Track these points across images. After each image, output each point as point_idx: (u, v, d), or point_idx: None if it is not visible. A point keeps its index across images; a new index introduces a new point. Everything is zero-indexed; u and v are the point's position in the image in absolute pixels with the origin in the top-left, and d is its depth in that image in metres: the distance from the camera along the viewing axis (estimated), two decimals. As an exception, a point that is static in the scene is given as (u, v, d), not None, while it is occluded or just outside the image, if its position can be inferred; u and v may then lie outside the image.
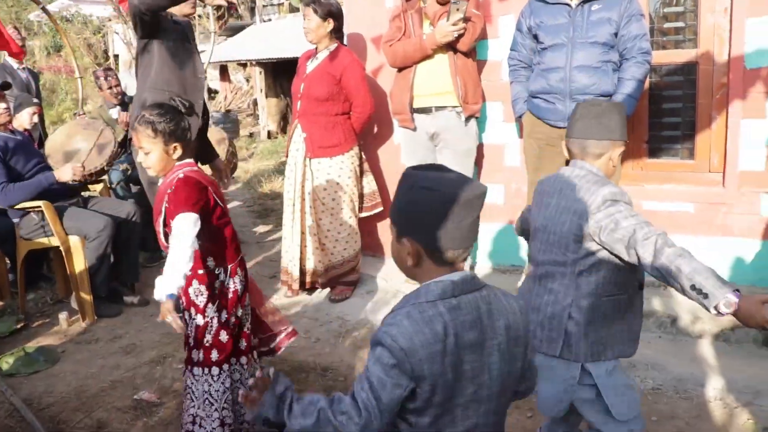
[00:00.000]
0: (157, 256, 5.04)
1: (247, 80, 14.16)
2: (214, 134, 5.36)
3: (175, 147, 2.35)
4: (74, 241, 3.99)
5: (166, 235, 2.38)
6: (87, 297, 4.01)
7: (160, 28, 3.64)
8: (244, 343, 2.54)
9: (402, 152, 4.25)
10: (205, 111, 4.10)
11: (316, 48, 4.11)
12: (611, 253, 1.97)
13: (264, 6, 13.58)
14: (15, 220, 4.05)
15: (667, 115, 3.92)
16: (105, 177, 5.03)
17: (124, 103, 5.65)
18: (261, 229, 6.16)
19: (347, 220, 4.12)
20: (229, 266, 2.47)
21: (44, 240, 4.03)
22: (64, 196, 4.16)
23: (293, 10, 12.80)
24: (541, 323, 2.10)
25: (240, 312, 2.52)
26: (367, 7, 4.54)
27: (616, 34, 3.37)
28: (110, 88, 5.61)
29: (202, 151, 4.08)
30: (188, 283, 2.38)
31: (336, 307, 4.10)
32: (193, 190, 2.31)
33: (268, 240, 5.74)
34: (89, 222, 4.04)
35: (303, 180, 4.07)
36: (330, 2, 4.00)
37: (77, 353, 3.65)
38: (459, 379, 1.37)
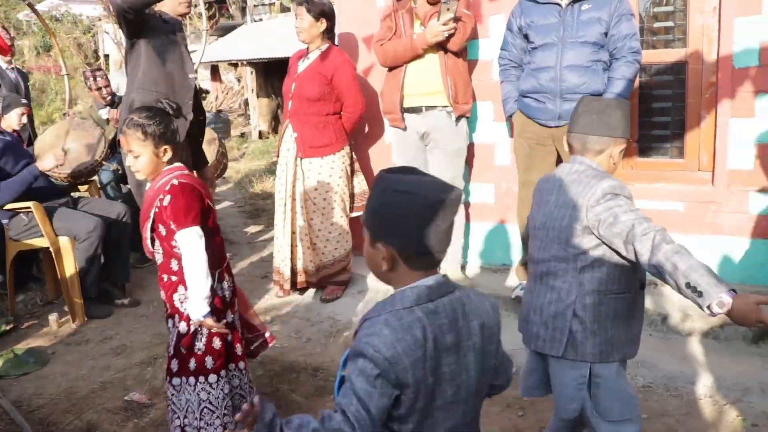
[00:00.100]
0: (147, 257, 5.00)
1: (238, 80, 14.12)
2: (205, 134, 5.33)
3: (165, 149, 2.33)
4: (64, 241, 3.98)
5: (153, 241, 2.36)
6: (77, 298, 3.99)
7: (146, 26, 3.59)
8: (240, 349, 2.51)
9: (393, 152, 4.25)
10: (202, 112, 4.07)
11: (308, 48, 4.11)
12: (612, 249, 1.95)
13: (255, 6, 13.52)
14: (4, 221, 4.02)
15: (656, 114, 3.94)
16: (95, 177, 5.01)
17: (115, 103, 5.61)
18: (252, 229, 6.15)
19: (338, 220, 4.12)
20: (217, 271, 2.43)
21: (34, 241, 4.01)
22: (53, 196, 4.14)
23: (284, 9, 12.75)
24: (544, 323, 2.07)
25: (231, 317, 2.51)
26: (358, 6, 4.54)
27: (606, 34, 3.38)
28: (99, 89, 5.58)
29: (196, 154, 4.07)
30: (174, 289, 2.35)
31: (327, 307, 4.10)
32: (191, 199, 2.28)
33: (259, 240, 5.73)
34: (79, 222, 4.02)
35: (294, 180, 4.07)
36: (323, 2, 4.00)
37: (67, 354, 3.63)
38: (439, 382, 1.36)
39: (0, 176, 3.93)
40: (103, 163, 4.80)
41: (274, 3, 13.32)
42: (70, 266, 3.97)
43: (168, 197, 2.27)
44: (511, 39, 3.69)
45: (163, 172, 2.35)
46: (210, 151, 5.02)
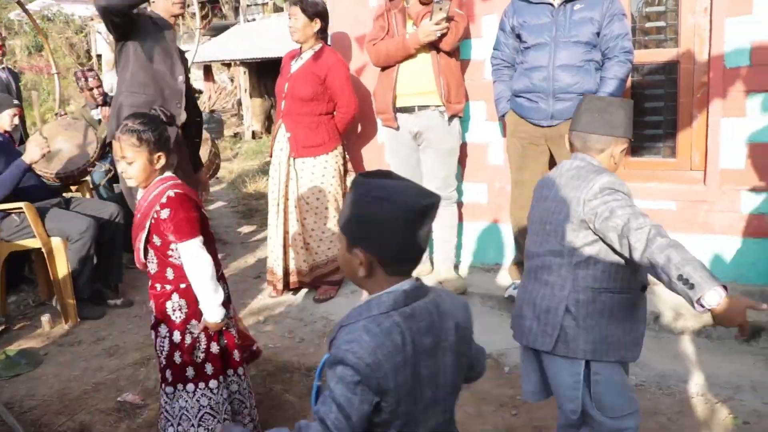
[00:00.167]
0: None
1: (232, 80, 14.11)
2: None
3: (159, 156, 2.28)
4: (56, 242, 3.95)
5: (146, 252, 2.34)
6: (70, 299, 3.97)
7: (135, 28, 3.56)
8: (237, 354, 2.49)
9: (385, 151, 4.26)
10: (198, 112, 4.04)
11: (301, 48, 4.11)
12: (607, 245, 1.94)
13: (248, 6, 13.50)
14: (-5, 222, 4.00)
15: (648, 113, 3.95)
16: (87, 178, 5.00)
17: (107, 103, 5.59)
18: (245, 229, 6.14)
19: (331, 220, 4.11)
20: None
21: (26, 241, 3.98)
22: (46, 196, 4.12)
23: (277, 9, 12.74)
24: (537, 317, 2.06)
25: (228, 323, 2.49)
26: (350, 6, 4.54)
27: (598, 34, 3.40)
28: (91, 89, 5.56)
29: (193, 156, 4.05)
30: (167, 297, 2.32)
31: (320, 307, 4.09)
32: (189, 210, 2.26)
33: (252, 240, 5.72)
34: (71, 223, 4.00)
35: (287, 180, 4.06)
36: (317, 2, 3.99)
37: (60, 356, 3.62)
38: (419, 385, 1.36)
39: (-9, 176, 3.91)
40: (96, 163, 4.79)
41: (267, 3, 13.30)
42: (62, 267, 3.95)
43: (167, 210, 2.23)
44: (504, 39, 3.70)
45: (156, 183, 2.31)
46: (202, 151, 5.01)
